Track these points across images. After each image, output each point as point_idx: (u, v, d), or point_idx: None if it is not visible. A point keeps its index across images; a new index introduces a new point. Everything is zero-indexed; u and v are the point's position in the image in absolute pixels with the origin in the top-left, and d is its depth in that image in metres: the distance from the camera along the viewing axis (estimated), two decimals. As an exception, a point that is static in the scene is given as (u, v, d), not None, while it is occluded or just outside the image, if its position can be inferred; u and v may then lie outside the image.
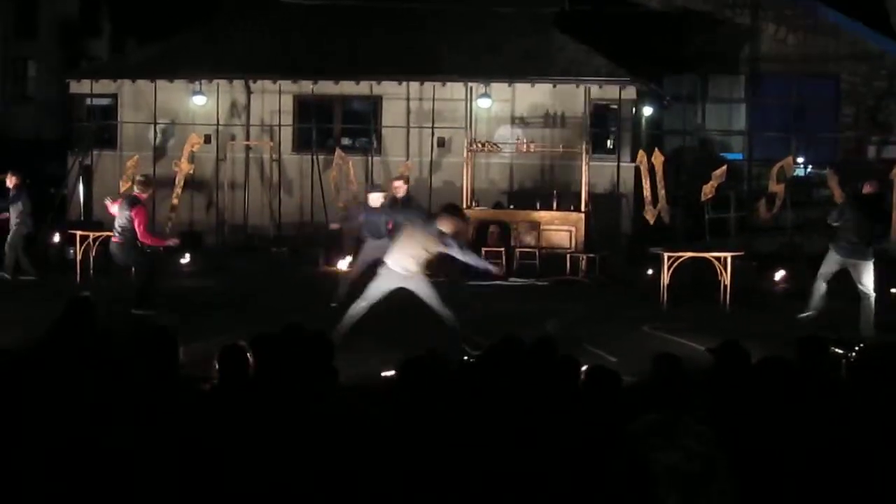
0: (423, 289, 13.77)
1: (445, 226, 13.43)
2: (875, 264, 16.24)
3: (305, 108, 27.74)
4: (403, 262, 13.65)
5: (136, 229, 17.04)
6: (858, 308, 16.00)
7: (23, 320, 14.01)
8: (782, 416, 6.42)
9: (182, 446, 6.12)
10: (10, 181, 20.75)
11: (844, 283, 16.40)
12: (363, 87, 27.09)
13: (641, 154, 23.87)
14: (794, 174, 26.03)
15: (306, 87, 27.19)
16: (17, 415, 6.36)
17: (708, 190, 22.83)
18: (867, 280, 16.03)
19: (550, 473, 5.97)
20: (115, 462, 5.84)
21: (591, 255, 23.09)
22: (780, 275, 21.39)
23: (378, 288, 13.89)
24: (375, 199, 18.37)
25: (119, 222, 17.32)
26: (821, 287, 16.51)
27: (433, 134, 26.57)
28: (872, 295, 16.00)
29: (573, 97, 26.11)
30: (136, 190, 18.03)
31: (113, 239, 17.65)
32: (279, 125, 27.33)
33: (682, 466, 3.27)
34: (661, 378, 7.79)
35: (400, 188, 19.10)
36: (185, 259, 23.18)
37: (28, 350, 8.29)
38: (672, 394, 7.01)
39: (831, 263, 16.44)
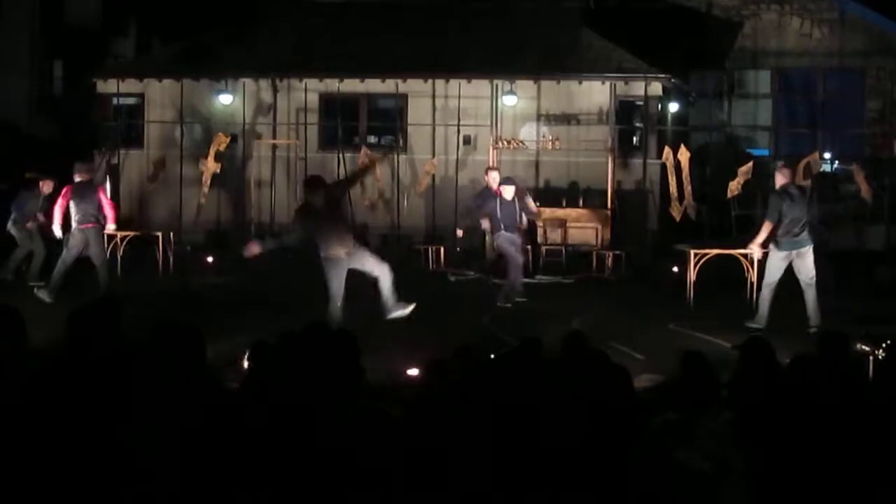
0: (364, 258, 14.72)
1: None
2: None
3: (331, 107, 27.76)
4: (342, 245, 14.28)
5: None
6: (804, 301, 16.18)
7: (49, 319, 14.03)
8: (807, 415, 6.42)
9: (209, 445, 6.16)
10: (47, 187, 20.76)
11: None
12: (389, 85, 27.10)
13: (667, 151, 23.83)
14: (821, 169, 25.92)
15: (332, 85, 27.22)
16: (46, 414, 6.40)
17: (734, 186, 22.79)
18: (811, 268, 16.21)
19: (573, 469, 5.99)
20: (142, 461, 5.87)
21: (618, 252, 23.08)
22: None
23: (340, 282, 14.23)
24: (509, 191, 18.54)
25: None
26: (769, 297, 16.39)
27: (459, 131, 26.57)
28: (814, 283, 16.16)
29: (599, 94, 26.08)
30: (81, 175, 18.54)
31: (90, 224, 18.05)
32: (305, 123, 27.38)
33: (696, 466, 3.30)
34: (691, 376, 7.81)
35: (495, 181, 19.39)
36: (211, 258, 23.24)
37: (55, 350, 8.32)
38: (697, 392, 7.01)
39: (778, 266, 16.38)
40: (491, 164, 22.86)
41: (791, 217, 16.19)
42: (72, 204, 18.32)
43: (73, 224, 18.28)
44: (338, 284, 14.34)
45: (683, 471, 3.36)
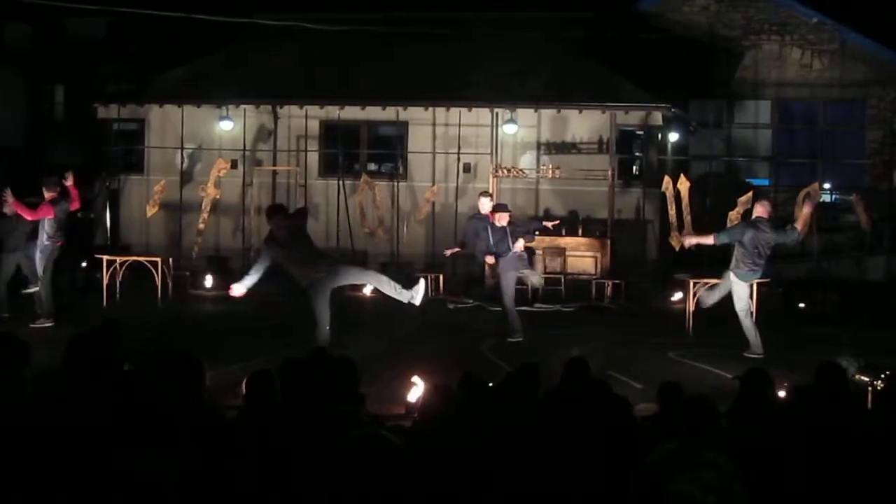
0: (346, 273, 15.30)
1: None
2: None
3: (332, 133, 27.82)
4: (312, 269, 14.61)
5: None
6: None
7: (49, 343, 14.01)
8: (807, 444, 6.41)
9: (207, 472, 6.15)
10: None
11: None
12: (389, 113, 27.16)
13: (667, 180, 23.83)
14: (820, 200, 25.93)
15: (333, 112, 27.26)
16: (42, 437, 6.40)
17: (734, 216, 22.76)
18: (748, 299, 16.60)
19: (574, 498, 5.98)
20: (139, 486, 5.86)
21: (617, 281, 23.07)
22: (805, 301, 21.34)
23: (323, 306, 14.32)
24: (503, 218, 18.41)
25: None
26: (752, 324, 16.57)
27: (459, 159, 26.61)
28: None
29: (599, 123, 26.12)
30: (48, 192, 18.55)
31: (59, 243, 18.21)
32: (306, 150, 27.44)
33: (697, 498, 3.28)
34: (667, 407, 7.82)
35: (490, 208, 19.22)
36: (210, 283, 23.24)
37: (51, 373, 8.33)
38: (690, 422, 7.00)
39: (746, 293, 16.62)
40: (491, 190, 22.86)
41: (758, 249, 16.35)
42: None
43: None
44: (322, 308, 14.40)
45: (685, 502, 3.35)
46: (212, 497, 6.02)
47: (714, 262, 23.30)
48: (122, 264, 21.31)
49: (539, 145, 26.59)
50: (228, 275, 23.49)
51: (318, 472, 5.92)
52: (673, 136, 28.07)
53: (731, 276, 16.56)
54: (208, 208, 25.31)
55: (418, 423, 7.62)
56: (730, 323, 17.06)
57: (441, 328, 18.62)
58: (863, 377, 10.91)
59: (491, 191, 23.06)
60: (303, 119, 27.17)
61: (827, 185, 28.87)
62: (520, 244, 18.17)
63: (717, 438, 6.05)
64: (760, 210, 16.87)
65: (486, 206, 18.95)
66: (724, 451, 3.53)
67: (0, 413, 6.96)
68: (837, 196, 29.86)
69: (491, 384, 9.09)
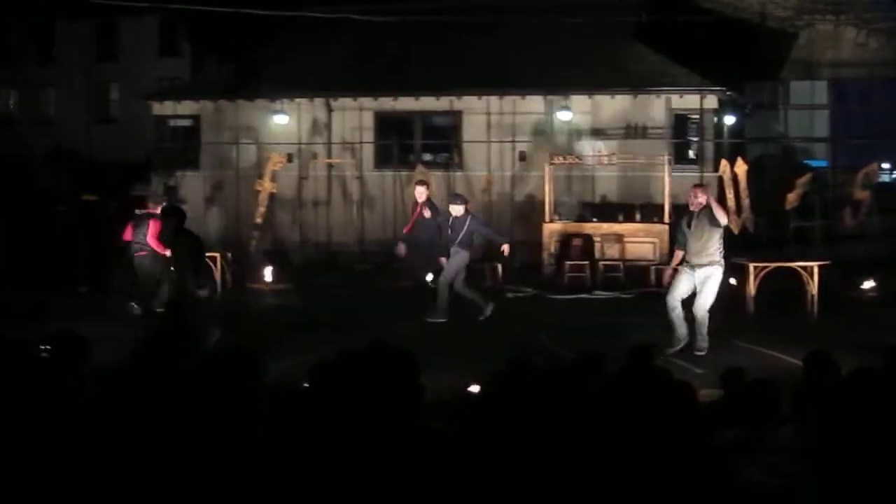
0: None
1: None
2: None
3: (386, 125, 27.86)
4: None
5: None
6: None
7: (108, 340, 14.07)
8: (873, 429, 6.33)
9: (269, 465, 6.15)
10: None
11: None
12: (443, 103, 27.16)
13: (724, 163, 23.66)
14: (879, 180, 25.70)
15: (386, 103, 27.31)
16: (112, 436, 6.42)
17: (792, 198, 22.62)
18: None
19: (635, 484, 5.94)
20: (204, 483, 5.87)
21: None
22: (867, 283, 21.11)
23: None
24: (457, 209, 18.45)
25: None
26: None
27: (514, 147, 26.57)
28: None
29: (654, 108, 26.01)
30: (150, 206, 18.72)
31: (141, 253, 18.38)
32: (360, 142, 27.49)
33: (766, 482, 3.23)
34: (730, 392, 7.74)
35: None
36: (269, 277, 23.30)
37: (119, 371, 8.36)
38: (754, 407, 6.91)
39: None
40: (546, 178, 22.79)
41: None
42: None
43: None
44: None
45: (752, 488, 3.30)
46: (278, 492, 6.03)
47: (775, 246, 23.23)
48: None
49: (594, 131, 26.48)
50: (286, 268, 23.60)
51: (379, 464, 5.91)
52: (728, 119, 27.93)
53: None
54: (265, 202, 25.38)
55: (475, 412, 7.59)
56: (789, 307, 16.91)
57: (500, 317, 18.58)
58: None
59: (547, 178, 23.07)
60: (357, 111, 27.24)
61: (886, 165, 28.60)
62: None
63: (781, 423, 5.98)
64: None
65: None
66: (788, 436, 3.48)
67: (61, 410, 6.99)
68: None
69: (552, 371, 9.04)
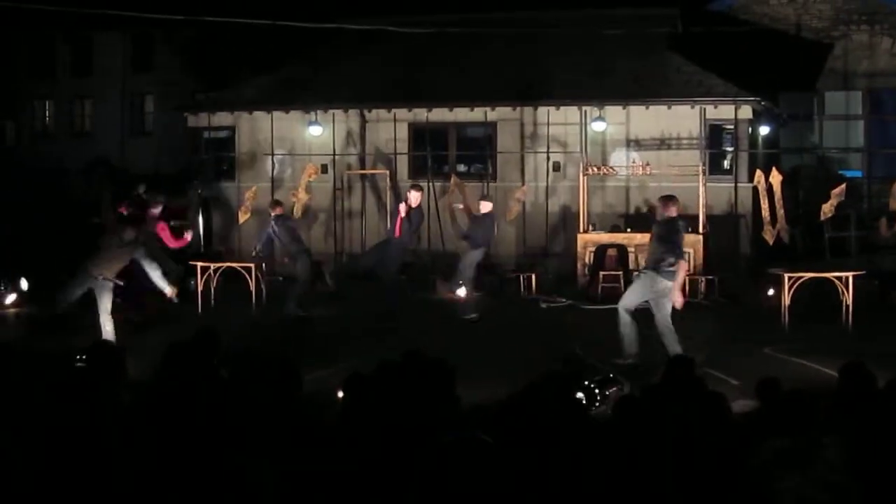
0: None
1: None
2: None
3: (420, 136, 27.88)
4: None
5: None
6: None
7: (145, 350, 14.15)
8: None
9: (304, 474, 6.18)
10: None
11: None
12: (477, 114, 27.17)
13: (759, 173, 23.57)
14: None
15: (421, 114, 27.34)
16: (138, 443, 6.46)
17: (827, 209, 22.50)
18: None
19: (672, 496, 5.94)
20: (237, 490, 5.90)
21: (710, 276, 22.85)
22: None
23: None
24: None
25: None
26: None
27: (548, 158, 26.57)
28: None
29: (688, 118, 25.94)
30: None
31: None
32: (395, 153, 27.53)
33: (813, 496, 3.21)
34: (767, 403, 7.72)
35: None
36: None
37: (154, 382, 8.41)
38: (791, 418, 6.89)
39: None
40: (581, 188, 22.79)
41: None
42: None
43: None
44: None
45: (799, 501, 3.29)
46: (309, 500, 6.04)
47: (810, 257, 23.13)
48: (215, 271, 21.47)
49: (628, 142, 26.46)
50: (321, 278, 23.63)
51: (415, 475, 5.93)
52: (763, 130, 27.83)
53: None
54: (300, 213, 25.45)
55: (511, 422, 7.60)
56: (824, 318, 16.83)
57: (534, 327, 18.56)
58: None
59: (581, 189, 23.11)
60: (391, 122, 27.27)
61: (922, 176, 28.46)
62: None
63: (820, 434, 5.97)
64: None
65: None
66: (833, 449, 3.47)
67: (97, 419, 7.03)
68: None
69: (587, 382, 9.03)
